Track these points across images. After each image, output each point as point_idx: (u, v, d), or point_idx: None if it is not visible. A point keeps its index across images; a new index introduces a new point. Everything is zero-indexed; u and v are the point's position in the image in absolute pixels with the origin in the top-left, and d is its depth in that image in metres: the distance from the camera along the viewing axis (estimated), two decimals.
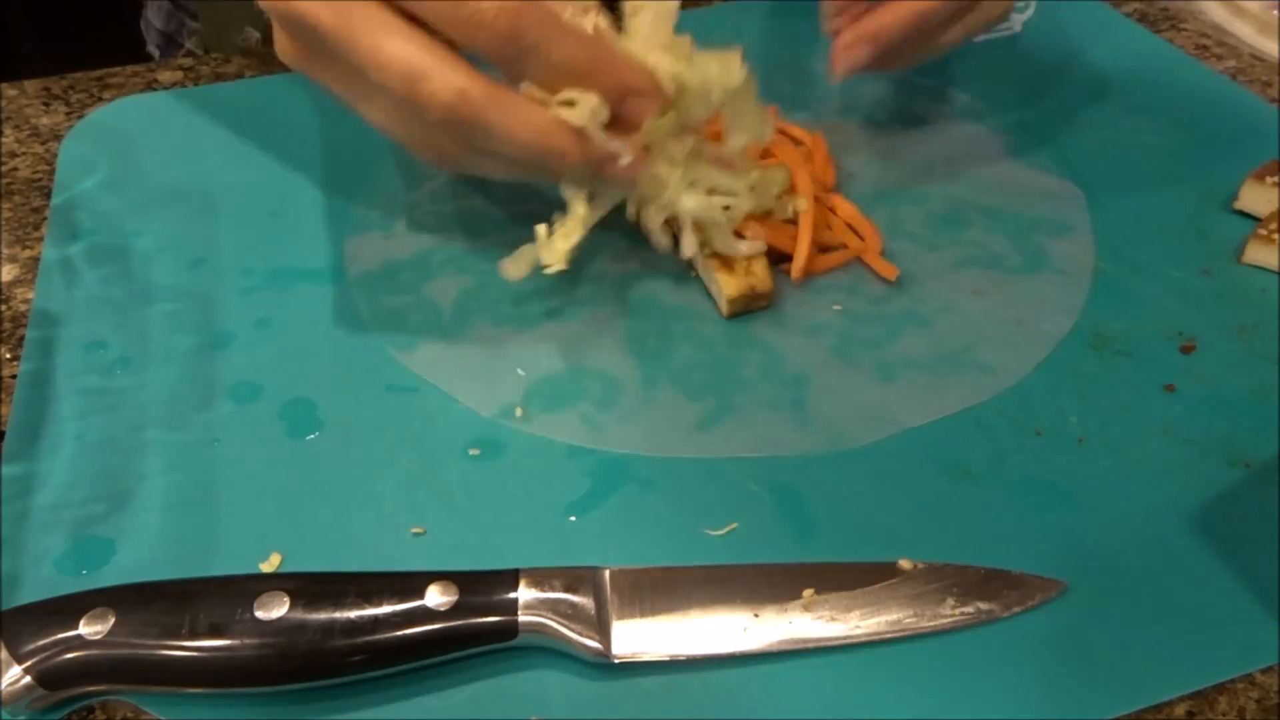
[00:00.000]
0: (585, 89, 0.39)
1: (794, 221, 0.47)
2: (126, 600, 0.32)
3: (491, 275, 0.47)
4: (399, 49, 0.37)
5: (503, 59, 0.38)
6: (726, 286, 0.44)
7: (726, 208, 0.44)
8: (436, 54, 0.37)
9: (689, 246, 0.44)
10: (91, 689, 0.31)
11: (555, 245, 0.42)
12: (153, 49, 0.75)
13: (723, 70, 0.42)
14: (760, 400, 0.42)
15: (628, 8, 0.43)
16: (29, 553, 0.36)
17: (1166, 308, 0.46)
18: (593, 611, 0.33)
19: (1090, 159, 0.55)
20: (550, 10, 0.38)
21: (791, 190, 0.47)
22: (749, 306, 0.45)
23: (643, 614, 0.34)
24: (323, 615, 0.31)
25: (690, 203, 0.44)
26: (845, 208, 0.49)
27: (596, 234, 0.45)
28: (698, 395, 0.42)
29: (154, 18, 0.75)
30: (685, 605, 0.34)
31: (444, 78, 0.37)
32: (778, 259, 0.47)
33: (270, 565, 0.35)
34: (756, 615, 0.34)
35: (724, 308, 0.45)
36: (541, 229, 0.43)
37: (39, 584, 0.35)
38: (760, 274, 0.45)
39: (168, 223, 0.49)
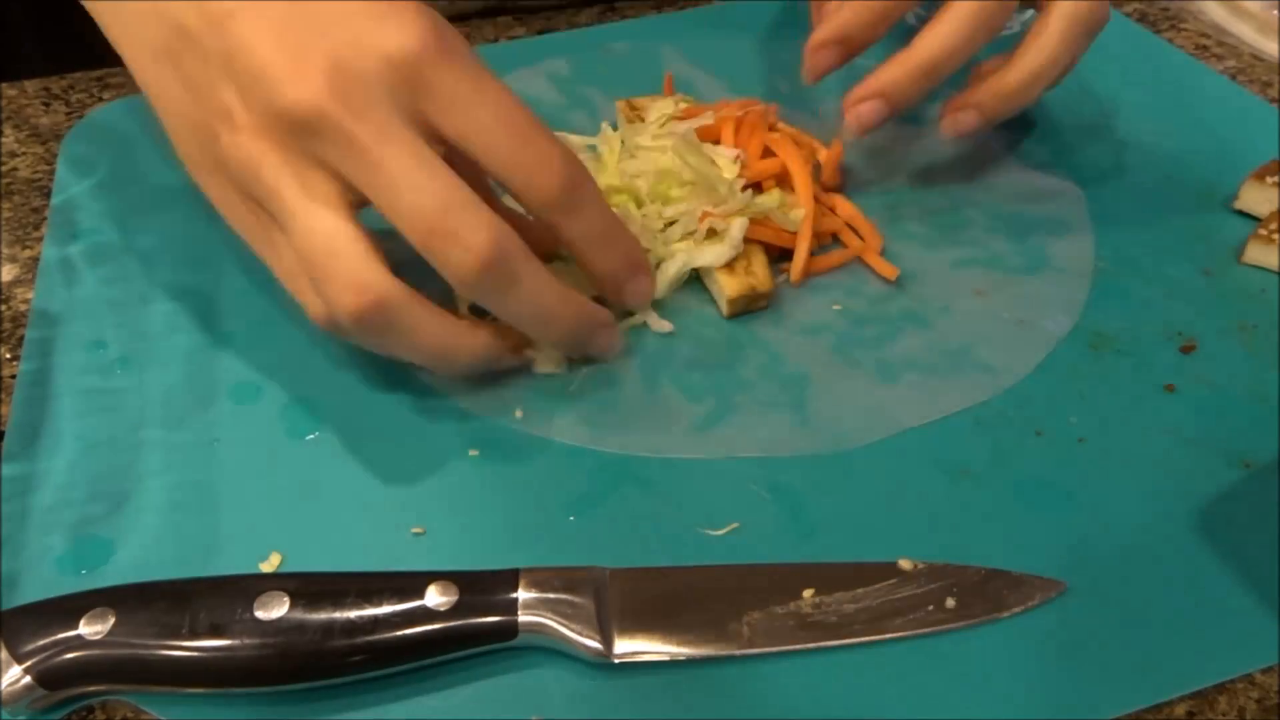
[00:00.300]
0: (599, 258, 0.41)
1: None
2: (126, 600, 0.32)
3: None
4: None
5: (553, 208, 0.38)
6: (727, 287, 0.44)
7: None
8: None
9: (729, 284, 0.45)
10: (91, 689, 0.31)
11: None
12: None
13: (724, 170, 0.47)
14: (760, 400, 0.42)
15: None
16: (29, 553, 0.36)
17: (1166, 308, 0.46)
18: (593, 611, 0.33)
19: (1090, 159, 0.55)
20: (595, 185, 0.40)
21: (789, 189, 0.48)
22: (749, 306, 0.45)
23: (643, 614, 0.34)
24: (323, 615, 0.31)
25: (706, 257, 0.45)
26: (845, 208, 0.49)
27: None
28: (698, 395, 0.42)
29: None
30: (685, 605, 0.34)
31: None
32: (778, 259, 0.47)
33: (270, 565, 0.35)
34: (756, 615, 0.34)
35: (724, 308, 0.45)
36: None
37: (39, 584, 0.35)
38: (760, 274, 0.45)
39: (168, 223, 0.49)
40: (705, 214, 0.45)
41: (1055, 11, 0.48)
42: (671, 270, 0.45)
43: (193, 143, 0.39)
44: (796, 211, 0.47)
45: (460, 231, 0.35)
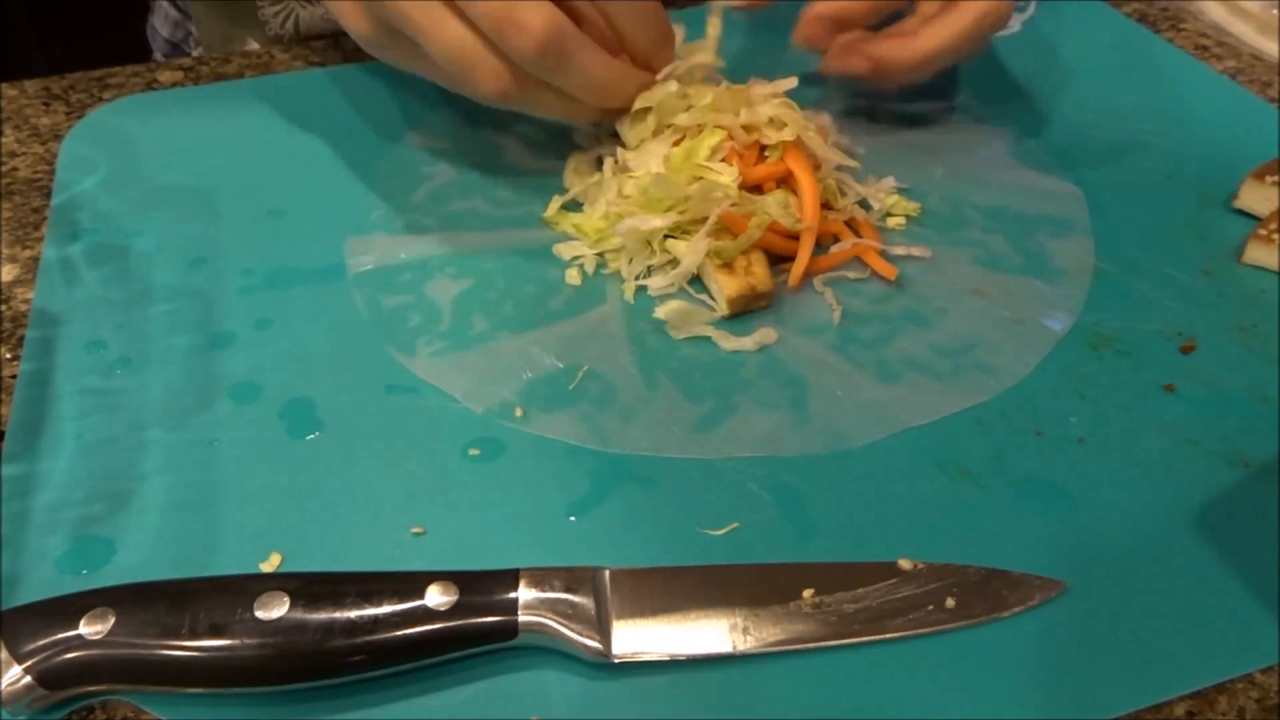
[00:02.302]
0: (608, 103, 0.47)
1: (795, 236, 0.47)
2: (126, 600, 0.32)
3: (491, 275, 0.47)
4: (453, 34, 0.43)
5: (537, 66, 0.44)
6: (726, 286, 0.44)
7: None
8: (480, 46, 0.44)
9: (729, 284, 0.45)
10: (91, 689, 0.31)
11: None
12: (159, 58, 0.75)
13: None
14: (760, 400, 0.42)
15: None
16: (29, 553, 0.36)
17: (1166, 308, 0.46)
18: (593, 611, 0.33)
19: (1090, 159, 0.55)
20: (582, 34, 0.44)
21: (793, 191, 0.47)
22: (749, 306, 0.45)
23: (643, 614, 0.34)
24: (323, 615, 0.31)
25: (692, 258, 0.45)
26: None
27: None
28: (698, 395, 0.42)
29: (160, 25, 0.74)
30: (685, 605, 0.34)
31: (489, 64, 0.44)
32: (778, 259, 0.47)
33: (270, 565, 0.35)
34: (756, 615, 0.34)
35: (724, 307, 0.45)
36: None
37: (39, 584, 0.35)
38: (760, 274, 0.45)
39: (168, 223, 0.49)
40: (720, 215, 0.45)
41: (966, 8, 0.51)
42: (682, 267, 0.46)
43: None
44: (803, 221, 0.47)
45: (520, 17, 0.42)
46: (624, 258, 0.47)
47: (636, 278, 0.47)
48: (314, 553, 0.36)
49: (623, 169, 0.49)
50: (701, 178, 0.46)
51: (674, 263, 0.46)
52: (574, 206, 0.51)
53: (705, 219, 0.45)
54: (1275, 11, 0.65)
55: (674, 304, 0.45)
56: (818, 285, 0.47)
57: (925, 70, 0.52)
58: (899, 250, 0.48)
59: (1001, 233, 0.50)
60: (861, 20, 0.53)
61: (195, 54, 0.73)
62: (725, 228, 0.46)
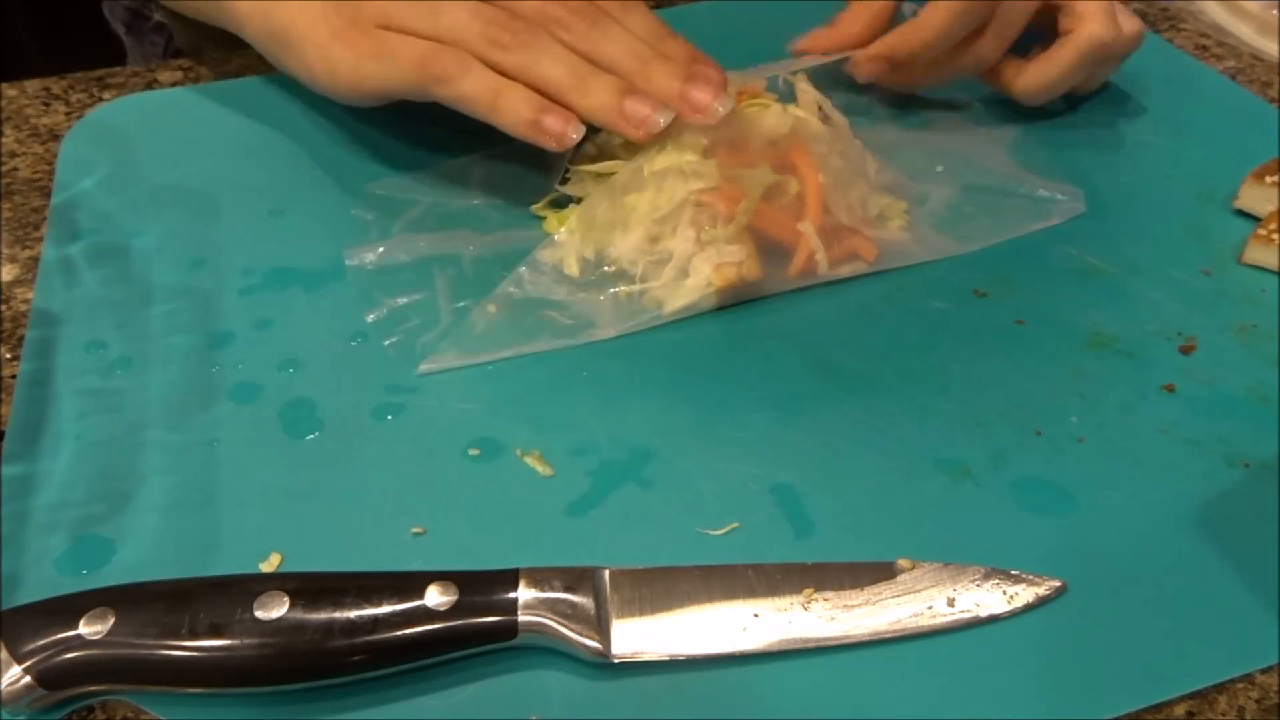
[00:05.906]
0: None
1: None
2: (126, 600, 0.32)
3: (491, 275, 0.47)
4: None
5: None
6: (714, 276, 0.44)
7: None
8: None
9: (716, 276, 0.45)
10: (91, 689, 0.31)
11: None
12: (117, 25, 0.73)
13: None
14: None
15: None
16: (29, 553, 0.36)
17: (1166, 308, 0.46)
18: (593, 611, 0.33)
19: (1090, 159, 0.55)
20: None
21: (799, 196, 0.47)
22: (739, 296, 0.45)
23: (643, 614, 0.34)
24: (323, 615, 0.31)
25: (706, 267, 0.45)
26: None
27: None
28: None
29: None
30: (685, 605, 0.34)
31: None
32: (771, 252, 0.47)
33: (270, 565, 0.35)
34: (756, 615, 0.34)
35: (712, 298, 0.45)
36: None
37: (39, 584, 0.35)
38: (749, 263, 0.45)
39: (168, 223, 0.49)
40: (698, 197, 0.45)
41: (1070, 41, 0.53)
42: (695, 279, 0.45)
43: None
44: (804, 224, 0.46)
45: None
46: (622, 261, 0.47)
47: (635, 279, 0.46)
48: (314, 553, 0.36)
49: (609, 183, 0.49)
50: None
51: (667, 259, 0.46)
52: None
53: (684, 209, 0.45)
54: (1275, 11, 0.65)
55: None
56: (818, 284, 0.47)
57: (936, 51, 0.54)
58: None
59: (1001, 232, 0.50)
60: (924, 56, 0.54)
61: (158, 16, 0.71)
62: (713, 212, 0.45)
